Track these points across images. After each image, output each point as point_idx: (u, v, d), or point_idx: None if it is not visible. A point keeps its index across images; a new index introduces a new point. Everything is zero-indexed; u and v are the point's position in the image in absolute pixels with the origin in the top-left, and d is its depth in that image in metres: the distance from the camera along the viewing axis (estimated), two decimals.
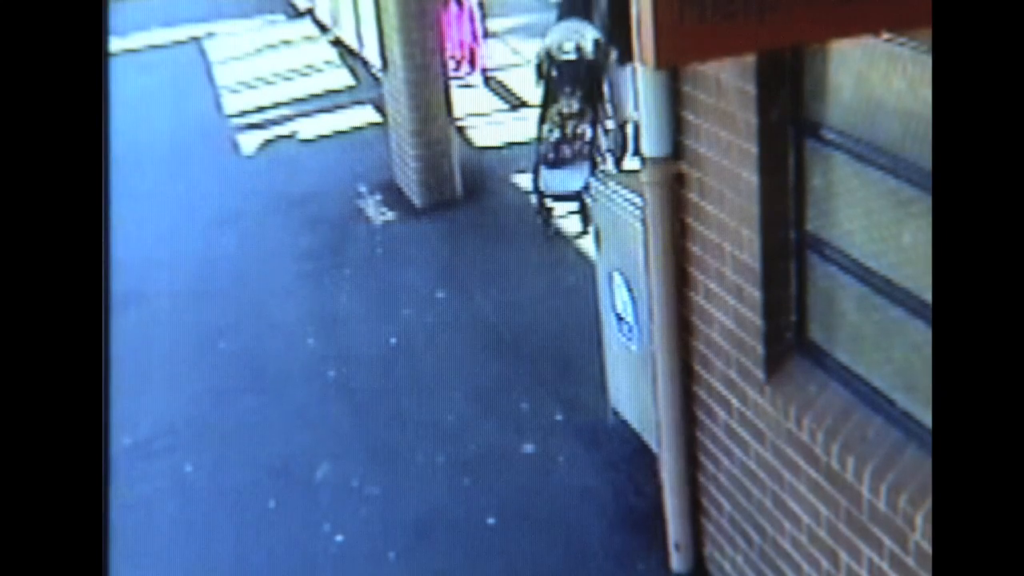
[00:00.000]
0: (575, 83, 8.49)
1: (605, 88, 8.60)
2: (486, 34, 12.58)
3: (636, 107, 8.60)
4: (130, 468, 6.00)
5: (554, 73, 8.47)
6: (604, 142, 8.62)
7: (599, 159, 8.48)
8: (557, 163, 8.42)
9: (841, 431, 3.62)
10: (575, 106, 8.49)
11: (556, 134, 8.45)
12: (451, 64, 11.50)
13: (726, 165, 3.91)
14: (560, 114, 8.53)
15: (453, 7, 11.77)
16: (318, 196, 9.77)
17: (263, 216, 9.54)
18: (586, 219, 8.09)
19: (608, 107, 8.69)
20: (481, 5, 12.33)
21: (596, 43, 8.43)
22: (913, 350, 3.40)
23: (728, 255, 4.03)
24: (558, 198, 8.43)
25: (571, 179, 8.34)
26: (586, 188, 8.10)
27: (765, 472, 4.09)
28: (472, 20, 12.05)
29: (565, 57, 8.44)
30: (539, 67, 8.67)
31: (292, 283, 8.20)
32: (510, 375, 6.67)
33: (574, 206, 8.45)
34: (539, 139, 8.54)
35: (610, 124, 8.84)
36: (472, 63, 12.17)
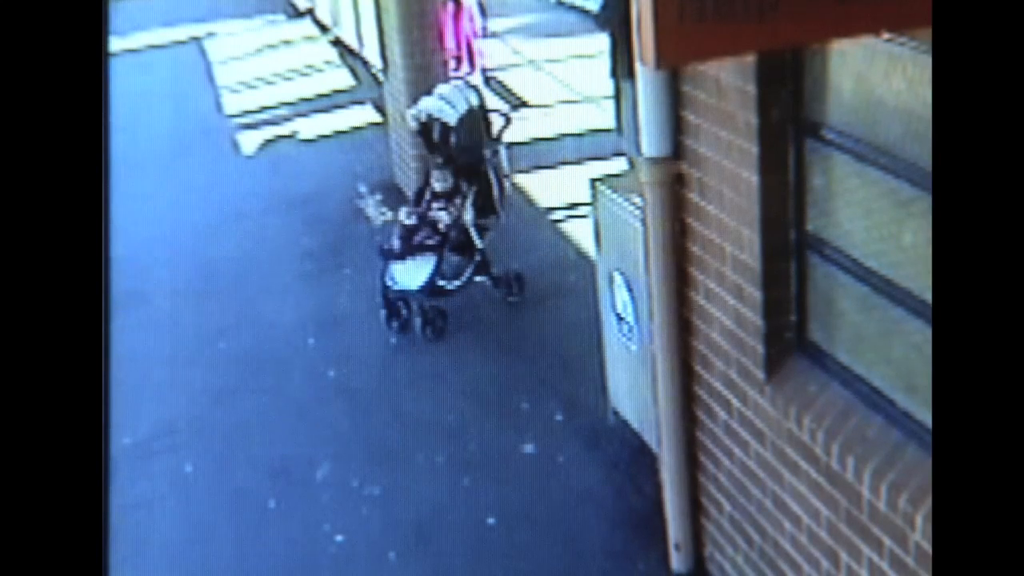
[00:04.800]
0: (455, 154, 7.20)
1: (489, 168, 7.28)
2: (486, 33, 12.58)
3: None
4: (130, 468, 6.00)
5: (452, 140, 7.19)
6: (472, 232, 7.24)
7: (447, 253, 7.16)
8: (396, 254, 7.11)
9: (841, 431, 3.62)
10: (448, 183, 7.23)
11: (413, 218, 7.19)
12: (451, 64, 11.52)
13: (726, 165, 3.91)
14: (432, 191, 7.30)
15: (452, 6, 11.77)
16: (318, 196, 9.78)
17: (263, 216, 9.55)
18: (434, 327, 7.07)
19: (497, 187, 7.35)
20: (481, 5, 12.34)
21: (472, 111, 7.17)
22: (913, 350, 3.40)
23: (728, 255, 4.03)
24: (399, 297, 7.16)
25: (412, 275, 7.06)
26: (427, 288, 7.01)
27: (765, 472, 4.09)
28: (472, 20, 12.05)
29: (444, 119, 7.13)
30: (426, 133, 7.33)
31: (292, 283, 8.20)
32: (510, 375, 6.67)
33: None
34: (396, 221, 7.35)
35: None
36: (472, 63, 12.17)
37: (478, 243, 7.27)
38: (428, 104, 7.25)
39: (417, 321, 7.11)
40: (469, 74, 12.13)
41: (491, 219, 7.41)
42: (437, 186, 7.24)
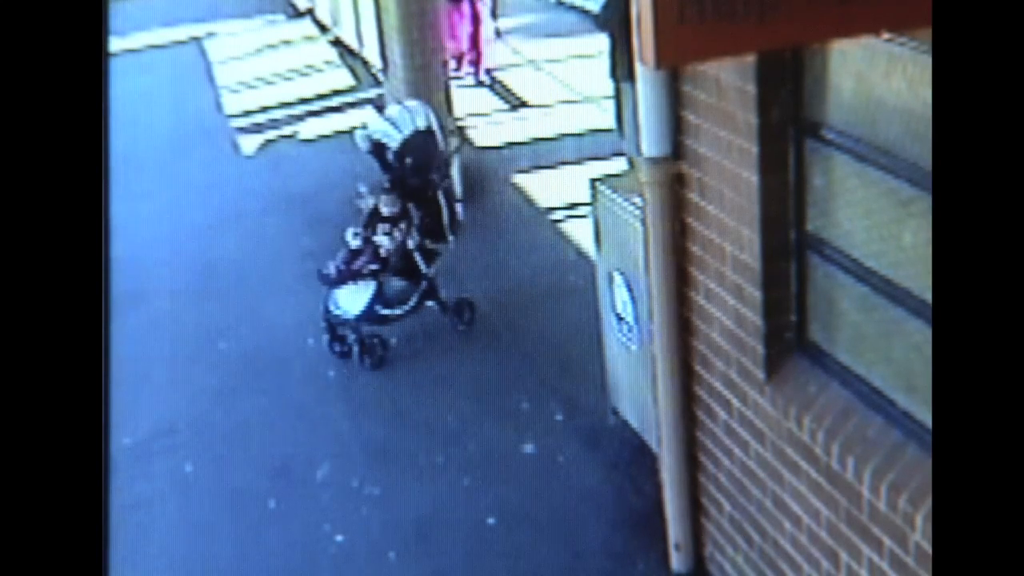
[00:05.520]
0: (406, 176, 6.94)
1: (439, 192, 7.00)
2: (497, 33, 12.60)
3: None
4: (130, 468, 6.00)
5: (407, 162, 6.94)
6: (417, 258, 6.97)
7: (391, 279, 6.92)
8: (331, 279, 6.90)
9: (841, 431, 3.62)
10: (396, 207, 6.94)
11: (359, 241, 6.95)
12: (453, 63, 11.55)
13: (726, 165, 3.91)
14: (379, 215, 7.02)
15: (465, 7, 11.80)
16: (318, 196, 9.77)
17: (263, 216, 9.55)
18: (372, 356, 6.87)
19: (447, 212, 7.04)
20: (493, 5, 12.35)
21: (418, 133, 6.91)
22: (913, 350, 3.40)
23: (728, 255, 4.03)
24: (340, 322, 6.95)
25: (352, 300, 6.89)
26: (366, 315, 6.84)
27: (765, 472, 4.09)
28: (479, 20, 12.06)
29: (386, 142, 6.90)
30: (380, 154, 7.01)
31: (292, 283, 8.19)
32: (510, 375, 6.67)
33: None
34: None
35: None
36: (475, 63, 12.19)
37: (424, 269, 7.02)
38: (374, 125, 7.06)
39: (356, 349, 6.92)
40: (470, 74, 12.16)
41: (441, 245, 7.13)
42: (384, 210, 6.97)
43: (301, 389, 6.79)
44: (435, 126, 7.03)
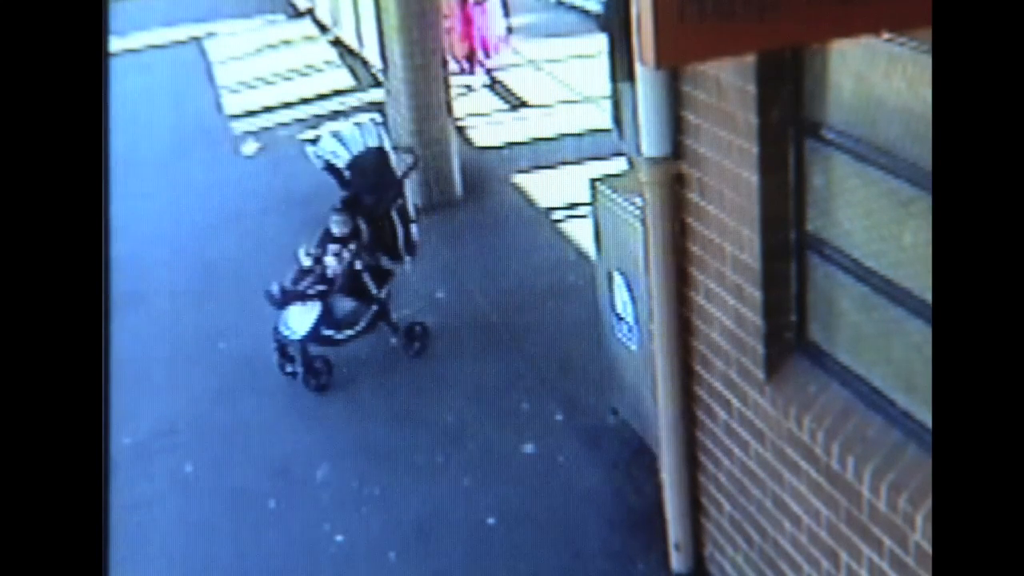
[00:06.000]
0: (360, 195, 6.85)
1: (393, 211, 6.88)
2: (509, 30, 12.61)
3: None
4: (130, 468, 6.00)
5: (358, 181, 6.88)
6: (369, 283, 6.82)
7: (341, 299, 6.77)
8: (276, 300, 6.68)
9: (841, 431, 3.62)
10: (347, 227, 6.78)
11: (309, 260, 6.78)
12: (458, 63, 11.56)
13: (726, 165, 3.91)
14: (329, 235, 6.85)
15: (474, 4, 11.82)
16: (318, 196, 9.74)
17: (263, 216, 9.55)
18: (317, 378, 6.70)
19: (402, 232, 6.93)
20: (505, 4, 12.36)
21: (369, 152, 6.86)
22: (913, 350, 3.40)
23: (728, 255, 4.03)
24: (286, 343, 6.77)
25: (299, 321, 6.69)
26: (312, 337, 6.66)
27: (765, 472, 4.09)
28: (489, 20, 12.07)
29: (333, 162, 6.81)
30: (336, 172, 6.90)
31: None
32: (510, 375, 6.67)
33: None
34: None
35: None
36: (477, 63, 12.20)
37: (373, 291, 6.85)
38: (323, 143, 6.93)
39: (300, 371, 6.75)
40: (471, 74, 12.16)
41: (396, 265, 7.00)
42: (335, 229, 6.82)
43: (301, 389, 6.79)
44: (387, 145, 6.94)
